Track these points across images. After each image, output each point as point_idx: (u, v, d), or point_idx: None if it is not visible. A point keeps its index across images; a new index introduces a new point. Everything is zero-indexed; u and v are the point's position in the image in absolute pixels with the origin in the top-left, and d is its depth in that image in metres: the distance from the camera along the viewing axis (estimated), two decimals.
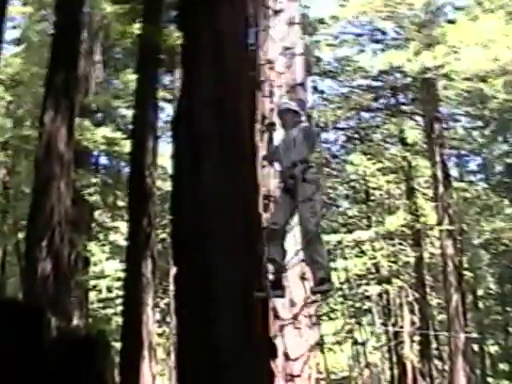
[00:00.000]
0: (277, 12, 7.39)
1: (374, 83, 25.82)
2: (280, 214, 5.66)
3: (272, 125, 5.88)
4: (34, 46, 20.53)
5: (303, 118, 5.86)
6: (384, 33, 25.96)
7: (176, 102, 16.49)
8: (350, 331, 25.87)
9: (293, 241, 5.86)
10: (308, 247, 5.46)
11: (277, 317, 5.99)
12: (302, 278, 6.78)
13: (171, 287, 18.93)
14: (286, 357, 6.96)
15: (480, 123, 27.61)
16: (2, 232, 21.85)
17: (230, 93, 5.74)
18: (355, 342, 25.89)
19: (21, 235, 20.88)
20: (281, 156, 5.82)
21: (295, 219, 5.69)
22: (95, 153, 22.09)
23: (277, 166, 6.01)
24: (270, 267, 5.36)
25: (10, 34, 22.34)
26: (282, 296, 5.51)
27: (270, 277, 5.31)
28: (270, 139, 5.85)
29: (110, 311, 21.59)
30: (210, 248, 5.40)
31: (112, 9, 17.37)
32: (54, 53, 11.87)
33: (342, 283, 24.38)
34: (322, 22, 24.46)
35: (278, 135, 5.75)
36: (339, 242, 24.21)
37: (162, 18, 15.18)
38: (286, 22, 7.19)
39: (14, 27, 21.41)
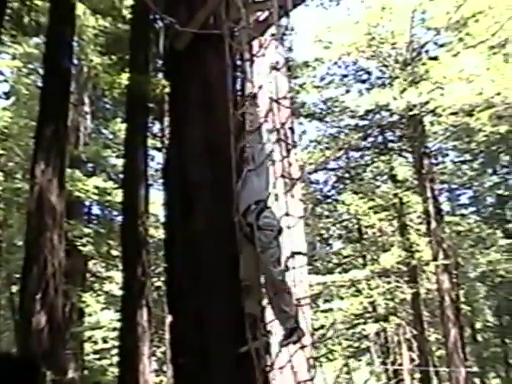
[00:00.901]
0: (261, 57, 7.47)
1: (362, 122, 26.11)
2: (247, 267, 5.34)
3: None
4: (23, 98, 20.69)
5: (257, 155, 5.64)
6: (369, 72, 26.40)
7: (165, 150, 16.60)
8: (349, 372, 25.65)
9: None
10: (275, 297, 5.23)
11: (271, 364, 5.91)
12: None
13: (167, 336, 18.77)
14: None
15: (468, 157, 27.88)
16: None
17: (219, 139, 5.77)
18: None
19: (14, 288, 20.74)
20: (238, 199, 5.50)
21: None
22: (87, 203, 22.12)
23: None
24: (249, 321, 5.24)
25: None
26: (263, 346, 5.36)
27: (251, 330, 5.20)
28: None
29: (105, 362, 21.35)
30: (204, 295, 5.38)
31: (99, 60, 17.59)
32: (43, 105, 11.95)
33: (339, 323, 24.25)
34: (306, 64, 24.81)
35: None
36: (334, 282, 24.17)
37: (149, 67, 15.35)
38: (271, 67, 7.25)
39: (4, 81, 21.60)
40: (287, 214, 5.59)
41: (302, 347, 5.62)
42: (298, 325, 5.27)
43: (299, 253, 5.90)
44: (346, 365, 26.12)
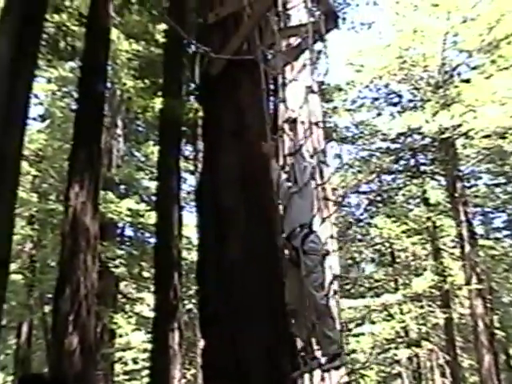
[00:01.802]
0: (294, 81, 7.52)
1: (393, 145, 25.96)
2: (292, 291, 5.37)
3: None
4: (58, 121, 21.04)
5: (300, 177, 5.61)
6: (400, 95, 26.29)
7: (198, 173, 16.70)
8: None
9: None
10: (318, 322, 5.16)
11: None
12: None
13: (198, 359, 18.74)
14: None
15: (502, 179, 27.54)
16: (29, 305, 21.89)
17: (252, 166, 5.78)
18: None
19: (47, 309, 20.93)
20: (282, 223, 5.55)
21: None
22: (120, 225, 22.31)
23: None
24: (298, 344, 5.22)
25: (35, 111, 22.99)
26: (313, 369, 5.33)
27: (301, 354, 5.17)
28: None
29: (135, 383, 21.38)
30: (239, 320, 5.36)
31: (133, 84, 17.81)
32: (77, 128, 12.13)
33: (370, 348, 23.98)
34: (338, 88, 24.85)
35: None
36: (367, 307, 23.93)
37: (182, 91, 15.50)
38: (304, 91, 7.29)
39: (39, 104, 22.00)
40: (332, 237, 5.60)
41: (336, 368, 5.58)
42: (343, 350, 5.23)
43: (340, 276, 5.87)
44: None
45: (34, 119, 22.09)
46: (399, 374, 27.72)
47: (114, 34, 15.93)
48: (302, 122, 6.75)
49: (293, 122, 6.54)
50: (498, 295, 26.79)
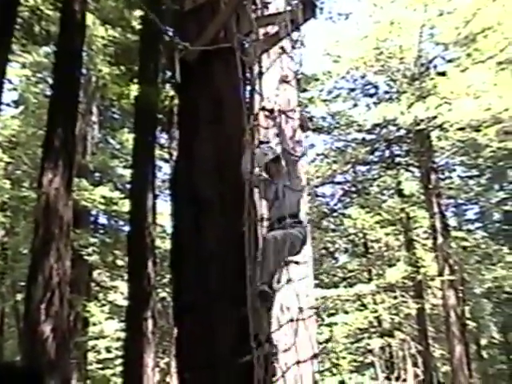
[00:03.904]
0: (271, 70, 7.49)
1: (369, 136, 26.06)
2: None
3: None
4: (32, 107, 20.80)
5: (292, 169, 5.65)
6: (376, 87, 26.40)
7: (173, 161, 16.64)
8: None
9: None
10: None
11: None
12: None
13: (172, 348, 18.73)
14: None
15: (475, 172, 27.83)
16: (1, 293, 21.71)
17: (229, 154, 5.75)
18: None
19: (19, 296, 20.76)
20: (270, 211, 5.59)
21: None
22: (94, 212, 22.18)
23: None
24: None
25: (8, 96, 22.70)
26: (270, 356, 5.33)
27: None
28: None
29: (109, 372, 21.35)
30: (214, 310, 5.35)
31: (108, 70, 17.66)
32: (51, 114, 12.01)
33: (343, 337, 24.16)
34: (315, 78, 24.85)
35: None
36: (340, 297, 24.09)
37: (158, 78, 15.41)
38: (280, 80, 7.27)
39: (13, 89, 21.71)
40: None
41: (306, 361, 5.58)
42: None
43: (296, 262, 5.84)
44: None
45: (8, 105, 21.82)
46: (372, 364, 27.96)
47: (90, 19, 15.76)
48: (278, 112, 6.74)
49: (269, 111, 6.53)
50: (469, 286, 27.08)
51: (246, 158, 5.55)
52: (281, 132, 5.98)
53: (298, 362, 5.80)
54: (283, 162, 5.65)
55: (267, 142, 5.91)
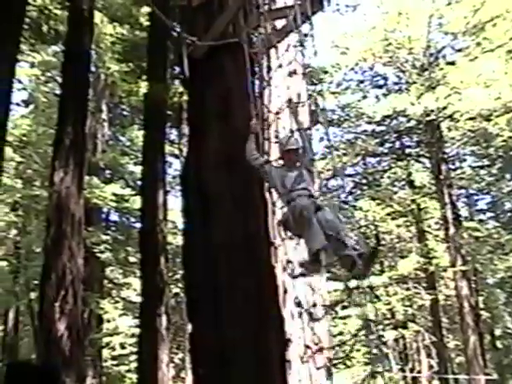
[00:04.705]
0: (280, 64, 7.46)
1: (379, 128, 25.99)
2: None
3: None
4: (42, 106, 20.84)
5: (306, 158, 5.61)
6: (385, 78, 26.30)
7: (183, 158, 16.65)
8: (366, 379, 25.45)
9: None
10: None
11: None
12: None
13: (186, 343, 18.76)
14: None
15: (486, 162, 27.66)
16: (14, 292, 21.80)
17: (238, 149, 5.72)
18: None
19: (33, 295, 20.85)
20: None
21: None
22: (105, 210, 22.23)
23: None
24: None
25: (18, 96, 22.76)
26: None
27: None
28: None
29: (123, 368, 21.39)
30: (225, 305, 5.35)
31: (117, 67, 17.68)
32: (61, 112, 12.05)
33: (357, 330, 24.12)
34: (323, 70, 24.78)
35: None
36: (349, 289, 24.04)
37: (167, 74, 15.39)
38: (290, 73, 7.25)
39: (23, 89, 21.77)
40: None
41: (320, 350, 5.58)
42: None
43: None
44: (372, 376, 25.85)
45: (18, 104, 21.91)
46: (386, 356, 27.91)
47: (98, 17, 15.79)
48: (288, 105, 6.71)
49: (285, 104, 6.49)
50: (482, 276, 26.98)
51: (249, 146, 5.51)
52: (294, 123, 5.93)
53: (315, 352, 5.81)
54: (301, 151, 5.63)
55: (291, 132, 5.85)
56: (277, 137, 5.95)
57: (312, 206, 5.20)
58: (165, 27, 13.57)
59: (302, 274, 5.35)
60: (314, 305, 5.66)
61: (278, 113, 7.40)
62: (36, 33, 17.01)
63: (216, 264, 5.50)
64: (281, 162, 5.61)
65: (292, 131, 5.68)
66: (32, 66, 20.29)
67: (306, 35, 5.98)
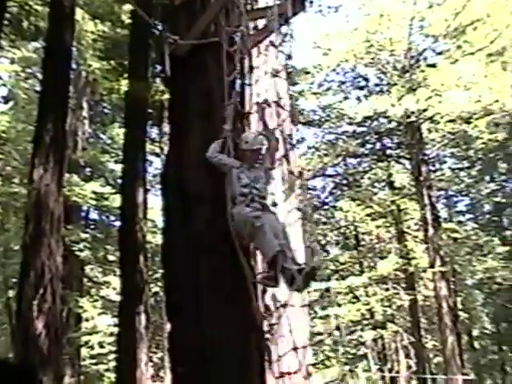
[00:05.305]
0: (261, 64, 7.48)
1: (360, 129, 26.10)
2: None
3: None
4: (22, 103, 20.68)
5: (268, 160, 5.72)
6: (367, 79, 26.41)
7: (164, 156, 16.61)
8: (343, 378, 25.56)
9: None
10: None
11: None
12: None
13: (165, 342, 18.72)
14: None
15: (466, 164, 27.90)
16: None
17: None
18: None
19: (11, 293, 20.69)
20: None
21: None
22: (85, 208, 22.12)
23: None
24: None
25: None
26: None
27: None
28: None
29: (102, 367, 21.29)
30: (205, 304, 5.34)
31: (98, 65, 17.59)
32: (41, 109, 11.96)
33: (335, 330, 24.24)
34: (305, 71, 24.83)
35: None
36: (327, 290, 24.16)
37: (148, 73, 15.35)
38: (271, 74, 7.26)
39: (2, 85, 21.60)
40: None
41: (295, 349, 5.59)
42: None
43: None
44: (351, 371, 25.96)
45: None
46: (365, 356, 28.06)
47: (79, 14, 15.70)
48: (269, 105, 6.74)
49: (259, 104, 6.52)
50: (461, 277, 27.19)
51: (214, 146, 5.57)
52: (268, 123, 5.98)
53: (295, 349, 5.83)
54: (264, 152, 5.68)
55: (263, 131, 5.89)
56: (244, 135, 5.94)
57: (262, 213, 5.27)
58: (147, 25, 13.55)
59: (266, 284, 5.44)
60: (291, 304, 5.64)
61: (249, 113, 7.43)
62: (16, 29, 16.87)
63: (197, 263, 5.49)
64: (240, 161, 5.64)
65: (260, 132, 5.72)
66: (12, 62, 20.12)
67: (286, 35, 6.01)
